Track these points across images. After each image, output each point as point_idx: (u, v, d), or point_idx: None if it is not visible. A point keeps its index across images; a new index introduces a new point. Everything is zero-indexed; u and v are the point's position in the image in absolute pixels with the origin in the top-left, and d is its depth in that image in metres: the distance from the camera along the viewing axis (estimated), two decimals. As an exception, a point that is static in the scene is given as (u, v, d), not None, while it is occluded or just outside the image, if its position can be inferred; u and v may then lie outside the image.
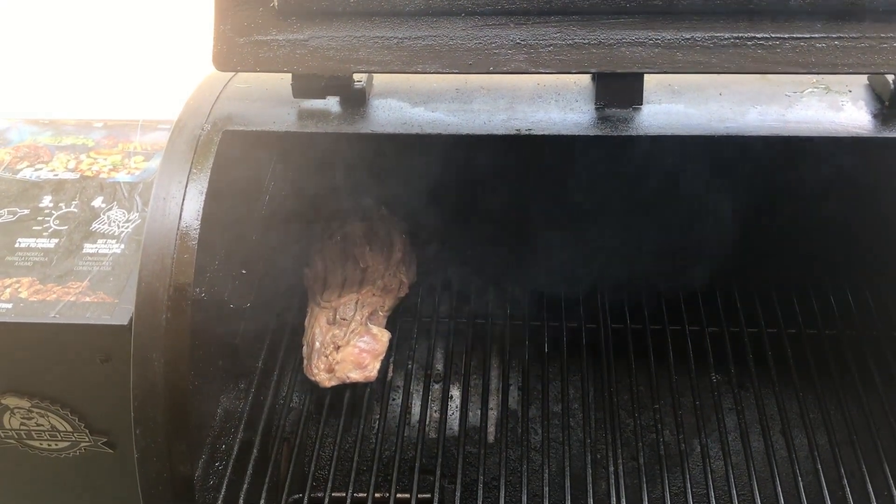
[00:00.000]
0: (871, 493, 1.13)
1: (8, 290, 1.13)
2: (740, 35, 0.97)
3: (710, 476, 1.15)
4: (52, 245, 1.19)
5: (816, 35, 0.96)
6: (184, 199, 1.00)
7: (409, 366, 1.32)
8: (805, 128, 1.02)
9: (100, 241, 1.19)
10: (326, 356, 1.25)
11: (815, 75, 1.09)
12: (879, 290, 1.38)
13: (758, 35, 0.97)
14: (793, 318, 1.38)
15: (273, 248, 1.32)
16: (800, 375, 1.28)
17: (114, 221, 1.22)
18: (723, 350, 1.33)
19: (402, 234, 1.41)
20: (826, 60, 0.96)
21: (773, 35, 0.96)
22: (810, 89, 1.07)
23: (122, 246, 1.18)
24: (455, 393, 1.38)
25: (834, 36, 0.96)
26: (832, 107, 1.05)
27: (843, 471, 1.14)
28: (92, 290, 1.12)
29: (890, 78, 1.04)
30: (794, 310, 1.39)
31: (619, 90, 1.04)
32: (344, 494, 1.17)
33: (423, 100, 1.08)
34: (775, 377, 1.27)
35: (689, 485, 1.15)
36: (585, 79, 1.11)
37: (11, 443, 1.24)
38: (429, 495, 1.18)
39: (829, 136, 1.01)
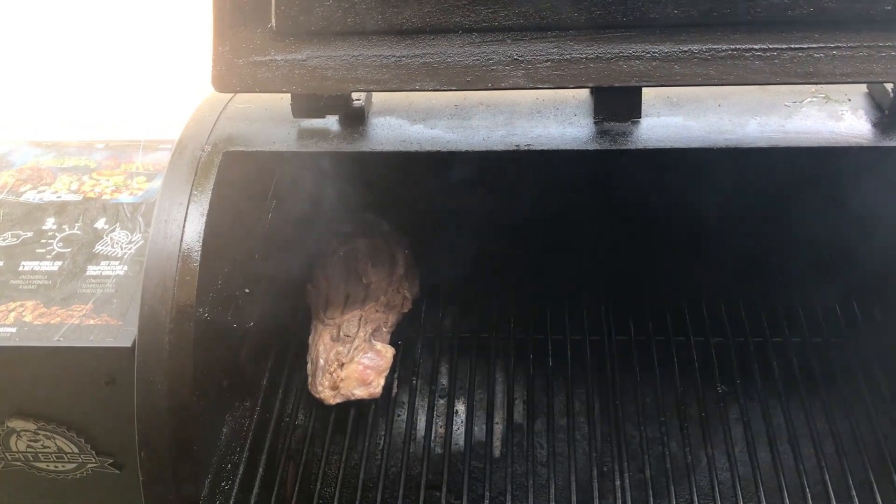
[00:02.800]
0: (880, 502, 1.12)
1: (12, 313, 1.13)
2: (738, 47, 0.97)
3: (717, 488, 1.15)
4: (55, 268, 1.19)
5: (814, 45, 0.96)
6: (185, 221, 1.00)
7: (414, 381, 1.32)
8: (805, 138, 1.02)
9: (103, 262, 1.20)
10: (331, 373, 1.25)
11: (814, 85, 1.09)
12: (884, 299, 1.38)
13: (755, 46, 0.97)
14: (798, 328, 1.37)
15: (275, 266, 1.32)
16: (805, 385, 1.28)
17: (117, 243, 1.22)
18: (728, 361, 1.32)
19: (405, 250, 1.41)
20: (824, 70, 0.96)
21: (771, 46, 0.96)
22: (809, 99, 1.07)
23: (126, 268, 1.18)
24: (460, 408, 1.37)
25: (832, 46, 0.96)
26: (832, 116, 1.04)
27: (851, 481, 1.14)
28: (96, 313, 1.12)
29: (889, 87, 1.04)
30: (799, 320, 1.39)
31: (617, 104, 1.05)
32: (350, 512, 1.17)
33: (422, 117, 1.08)
34: (781, 387, 1.27)
35: (696, 497, 1.15)
36: (584, 92, 1.11)
37: (18, 465, 1.24)
38: (435, 511, 1.18)
39: (828, 146, 1.01)
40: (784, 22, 0.96)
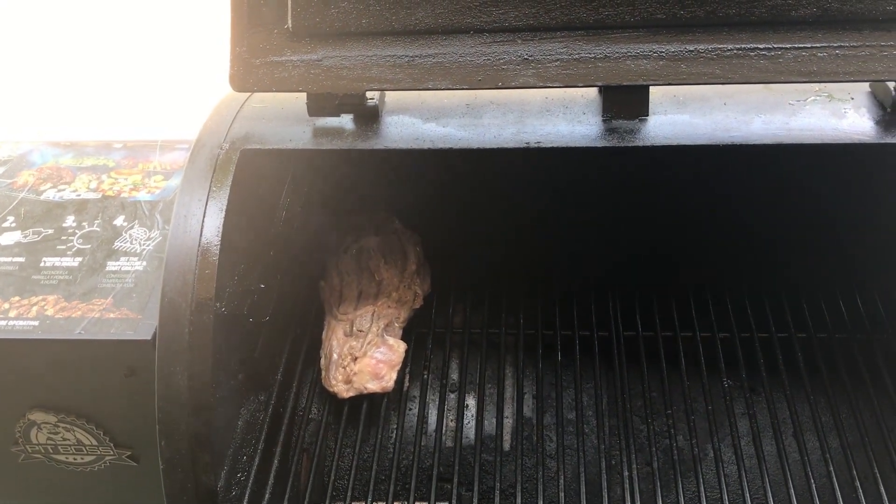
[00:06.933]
0: (884, 494, 1.14)
1: (34, 307, 1.16)
2: (743, 46, 0.99)
3: (723, 480, 1.16)
4: (76, 263, 1.22)
5: (818, 45, 0.98)
6: (204, 217, 1.03)
7: (425, 376, 1.35)
8: (809, 135, 1.04)
9: (122, 258, 1.22)
10: (344, 367, 1.28)
11: (818, 84, 1.11)
12: (889, 293, 1.39)
13: (760, 46, 0.99)
14: (803, 322, 1.39)
15: (290, 262, 1.35)
16: (811, 379, 1.29)
17: (135, 239, 1.25)
18: (734, 355, 1.34)
19: (416, 247, 1.43)
20: (828, 69, 0.98)
21: (775, 45, 0.99)
22: (813, 97, 1.09)
23: (144, 263, 1.21)
24: (471, 402, 1.40)
25: (835, 45, 0.98)
26: (835, 114, 1.06)
27: (855, 473, 1.15)
28: (116, 307, 1.15)
29: (891, 85, 1.05)
30: (804, 314, 1.40)
31: (625, 102, 1.07)
32: (363, 503, 1.19)
33: (434, 115, 1.11)
34: (786, 381, 1.28)
35: (702, 489, 1.16)
36: (592, 91, 1.13)
37: (38, 457, 1.26)
38: (446, 503, 1.20)
39: (832, 143, 1.03)
40: (788, 22, 0.98)
